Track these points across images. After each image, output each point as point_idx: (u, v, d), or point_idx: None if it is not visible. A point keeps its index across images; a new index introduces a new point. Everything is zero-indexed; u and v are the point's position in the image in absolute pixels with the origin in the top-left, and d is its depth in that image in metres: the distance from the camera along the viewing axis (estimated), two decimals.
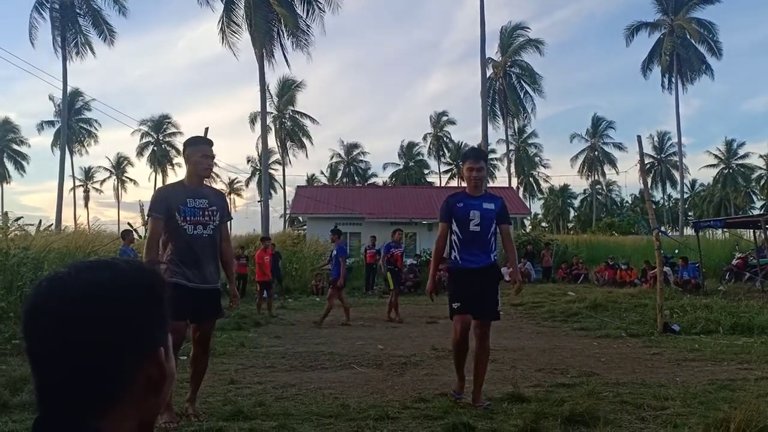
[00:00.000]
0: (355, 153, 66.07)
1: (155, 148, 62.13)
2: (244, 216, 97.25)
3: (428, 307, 15.04)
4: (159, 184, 60.76)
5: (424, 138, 64.97)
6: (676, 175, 55.45)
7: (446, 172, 66.41)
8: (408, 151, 65.35)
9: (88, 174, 68.44)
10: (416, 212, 31.63)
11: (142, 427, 0.93)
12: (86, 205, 68.39)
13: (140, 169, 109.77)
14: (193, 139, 5.06)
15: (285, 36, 25.79)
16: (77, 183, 63.43)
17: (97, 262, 0.95)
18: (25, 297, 0.93)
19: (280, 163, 53.55)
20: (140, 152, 62.52)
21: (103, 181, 69.23)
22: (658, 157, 64.68)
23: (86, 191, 68.60)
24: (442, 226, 5.67)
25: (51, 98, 51.16)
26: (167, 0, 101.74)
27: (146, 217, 4.53)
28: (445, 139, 64.92)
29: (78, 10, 29.81)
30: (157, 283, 0.96)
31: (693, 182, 73.22)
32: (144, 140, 61.78)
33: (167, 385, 0.95)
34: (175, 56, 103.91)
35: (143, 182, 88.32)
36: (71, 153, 52.77)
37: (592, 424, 4.45)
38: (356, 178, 64.71)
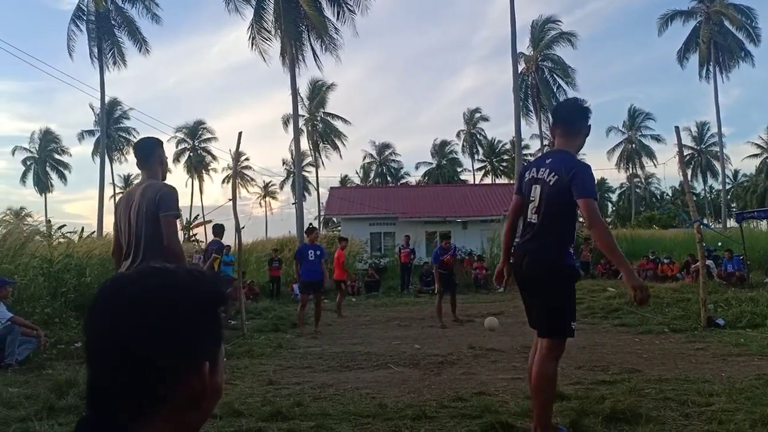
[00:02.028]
0: (387, 153, 66.18)
1: (191, 154, 63.17)
2: (279, 218, 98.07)
3: (464, 305, 14.96)
4: (196, 190, 61.93)
5: (458, 135, 64.75)
6: (717, 165, 54.15)
7: (480, 169, 66.05)
8: (440, 149, 65.13)
9: (128, 181, 69.90)
10: (450, 211, 31.52)
11: None
12: None
13: (177, 175, 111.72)
14: (161, 140, 4.77)
15: (314, 39, 25.93)
16: (117, 190, 64.78)
17: (159, 269, 0.96)
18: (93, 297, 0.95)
19: (313, 165, 53.95)
20: (177, 158, 63.61)
21: None
22: (698, 147, 63.22)
23: None
24: (593, 201, 3.86)
25: (91, 107, 52.49)
26: (201, 8, 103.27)
27: (172, 217, 4.31)
28: (478, 136, 64.55)
29: (113, 21, 30.46)
30: (214, 296, 0.96)
31: (735, 173, 71.40)
32: (180, 147, 62.91)
33: (209, 401, 0.94)
34: (209, 63, 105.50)
35: (180, 188, 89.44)
36: (111, 161, 53.98)
37: (635, 422, 4.35)
38: (389, 178, 64.75)
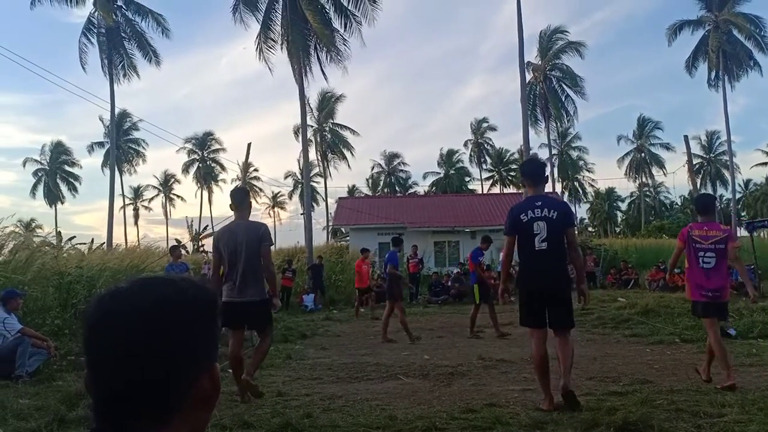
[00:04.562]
0: (395, 163, 66.21)
1: (200, 165, 63.46)
2: (288, 229, 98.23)
3: None
4: (205, 201, 62.22)
5: (465, 144, 64.72)
6: (727, 174, 53.85)
7: (488, 178, 65.95)
8: (447, 158, 65.07)
9: (137, 192, 70.31)
10: (458, 220, 31.47)
11: None
12: (136, 223, 70.24)
13: (187, 186, 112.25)
14: (248, 190, 6.93)
15: (321, 50, 25.99)
16: (127, 201, 65.19)
17: (156, 278, 0.99)
18: (86, 310, 0.95)
19: (321, 176, 54.07)
20: (186, 169, 63.99)
21: (152, 198, 70.99)
22: (708, 156, 62.94)
23: (135, 209, 70.42)
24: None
25: (101, 119, 52.86)
26: (209, 20, 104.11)
27: (270, 246, 6.34)
28: (486, 145, 64.51)
29: (123, 34, 30.69)
30: (213, 300, 0.99)
31: (747, 182, 70.97)
32: (190, 158, 63.26)
33: (217, 400, 0.97)
34: (218, 74, 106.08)
35: (190, 199, 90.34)
36: (120, 172, 54.24)
37: None
38: (397, 188, 64.76)
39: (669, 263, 7.19)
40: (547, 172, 5.92)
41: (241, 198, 6.26)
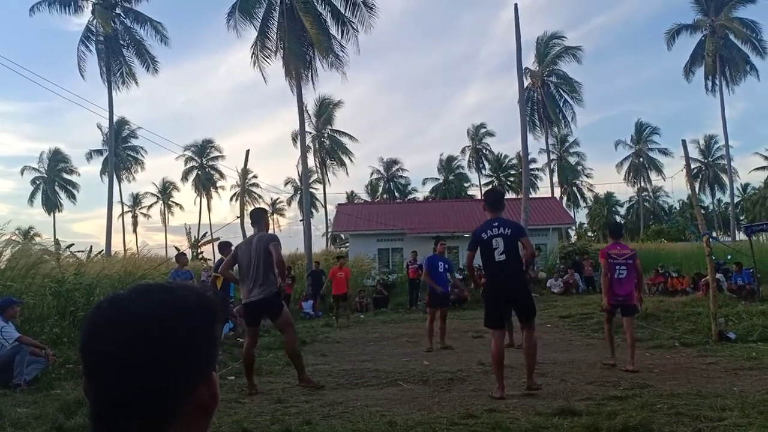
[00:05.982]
0: (394, 169, 66.24)
1: (199, 173, 63.47)
2: (287, 235, 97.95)
3: (473, 321, 14.90)
4: (204, 208, 62.26)
5: (463, 151, 64.76)
6: (725, 178, 53.94)
7: (487, 184, 65.88)
8: (447, 164, 65.14)
9: (136, 200, 70.25)
10: (458, 226, 31.47)
11: None
12: (134, 230, 70.14)
13: (185, 194, 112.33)
14: (266, 210, 8.02)
15: (318, 57, 26.05)
16: (126, 209, 65.08)
17: (155, 285, 0.97)
18: (85, 317, 0.94)
19: (320, 182, 54.08)
20: (185, 177, 64.03)
21: (150, 206, 70.90)
22: (706, 161, 63.05)
23: (134, 216, 70.34)
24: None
25: (99, 127, 52.86)
26: (208, 27, 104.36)
27: (278, 245, 7.13)
28: (484, 150, 64.55)
29: (122, 42, 30.75)
30: (213, 308, 0.98)
31: (745, 186, 71.01)
32: (188, 165, 63.30)
33: (215, 409, 0.96)
34: (217, 81, 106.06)
35: (189, 206, 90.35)
36: (119, 180, 54.23)
37: None
38: (396, 194, 64.76)
39: (603, 283, 8.32)
40: (504, 200, 7.39)
41: (258, 216, 7.62)
